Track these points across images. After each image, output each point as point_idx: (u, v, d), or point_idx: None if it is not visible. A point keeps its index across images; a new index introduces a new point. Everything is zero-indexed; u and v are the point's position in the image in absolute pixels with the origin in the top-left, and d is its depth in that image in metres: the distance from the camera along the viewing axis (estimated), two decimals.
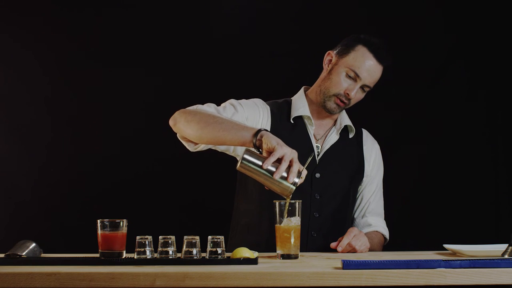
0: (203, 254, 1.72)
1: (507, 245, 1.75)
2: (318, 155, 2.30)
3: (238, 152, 2.23)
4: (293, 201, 1.83)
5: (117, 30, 3.18)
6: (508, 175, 3.14)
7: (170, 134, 2.24)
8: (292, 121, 2.31)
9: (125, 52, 3.18)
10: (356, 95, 2.28)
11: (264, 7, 3.20)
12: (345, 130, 2.37)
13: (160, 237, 1.73)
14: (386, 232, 2.38)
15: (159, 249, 1.71)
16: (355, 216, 2.40)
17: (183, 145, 2.15)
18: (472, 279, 1.49)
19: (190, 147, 2.12)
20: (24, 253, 1.72)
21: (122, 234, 1.73)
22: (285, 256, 1.81)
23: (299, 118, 2.32)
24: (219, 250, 1.70)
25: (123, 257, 1.72)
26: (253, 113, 2.25)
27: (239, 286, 1.47)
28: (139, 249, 1.71)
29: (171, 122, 2.08)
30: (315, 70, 2.40)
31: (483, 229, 3.05)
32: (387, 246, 2.39)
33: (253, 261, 1.65)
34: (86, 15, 3.17)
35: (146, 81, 3.19)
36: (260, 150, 1.86)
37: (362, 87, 2.27)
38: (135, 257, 1.71)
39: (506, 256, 1.72)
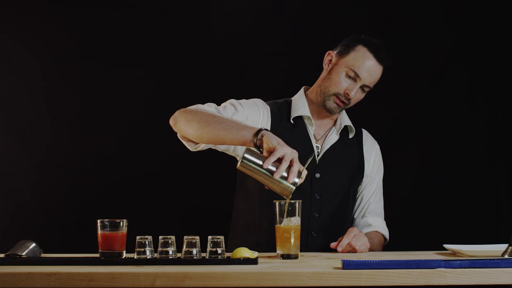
0: (203, 254, 1.72)
1: (507, 245, 1.75)
2: (318, 155, 2.30)
3: (238, 152, 2.23)
4: (293, 201, 1.83)
5: (117, 30, 3.18)
6: (508, 175, 3.14)
7: (170, 134, 2.24)
8: (292, 121, 2.31)
9: (125, 52, 3.18)
10: (356, 95, 2.28)
11: (264, 7, 3.20)
12: (345, 130, 2.37)
13: (160, 237, 1.73)
14: (386, 232, 2.38)
15: (159, 249, 1.71)
16: (355, 216, 2.40)
17: (183, 145, 2.15)
18: (472, 279, 1.49)
19: (191, 147, 2.12)
20: (24, 253, 1.72)
21: (122, 234, 1.73)
22: (285, 256, 1.81)
23: (299, 118, 2.32)
24: (219, 250, 1.70)
25: (123, 257, 1.72)
26: (253, 113, 2.25)
27: (239, 286, 1.47)
28: (139, 249, 1.71)
29: (171, 122, 2.08)
30: (315, 70, 2.40)
31: (483, 229, 3.05)
32: (387, 246, 2.39)
33: (253, 261, 1.65)
34: (86, 15, 3.18)
35: (146, 81, 3.19)
36: (261, 149, 1.86)
37: (362, 87, 2.27)
38: (135, 257, 1.71)
39: (506, 256, 1.72)
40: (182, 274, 1.48)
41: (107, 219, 1.73)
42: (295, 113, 2.32)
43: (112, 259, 1.69)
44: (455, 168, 3.16)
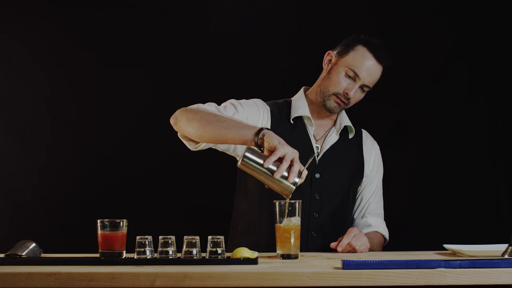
0: (203, 254, 1.72)
1: (507, 245, 1.75)
2: (318, 156, 2.30)
3: (238, 152, 2.23)
4: (293, 201, 1.83)
5: (118, 30, 3.18)
6: (508, 175, 3.14)
7: (170, 134, 2.24)
8: (292, 122, 2.31)
9: (125, 52, 3.18)
10: (356, 95, 2.28)
11: (264, 7, 3.20)
12: (344, 130, 2.37)
13: (160, 237, 1.73)
14: (386, 232, 2.38)
15: (159, 249, 1.71)
16: (354, 216, 2.40)
17: (183, 145, 2.15)
18: (472, 279, 1.49)
19: (191, 146, 2.12)
20: (24, 253, 1.72)
21: (122, 234, 1.73)
22: (285, 256, 1.81)
23: (299, 119, 2.32)
24: (219, 250, 1.70)
25: (123, 257, 1.72)
26: (253, 113, 2.25)
27: (239, 286, 1.47)
28: (139, 249, 1.71)
29: (172, 121, 2.08)
30: (315, 70, 2.40)
31: (483, 229, 3.05)
32: (387, 246, 2.39)
33: (253, 261, 1.65)
34: (86, 15, 3.17)
35: (146, 81, 3.19)
36: (262, 148, 1.86)
37: (361, 87, 2.27)
38: (135, 257, 1.71)
39: (506, 256, 1.72)
40: (182, 274, 1.48)
41: (107, 219, 1.73)
42: (295, 113, 2.32)
43: (112, 259, 1.69)
44: (455, 168, 3.16)
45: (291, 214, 1.83)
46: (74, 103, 3.18)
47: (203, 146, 2.11)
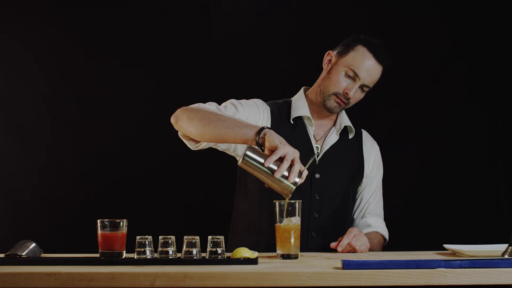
0: (203, 254, 1.72)
1: (507, 245, 1.75)
2: (317, 156, 2.30)
3: (238, 152, 2.23)
4: (293, 201, 1.83)
5: (118, 30, 3.18)
6: (508, 175, 3.14)
7: (170, 134, 2.24)
8: (292, 122, 2.31)
9: (126, 51, 3.18)
10: (355, 95, 2.28)
11: (264, 7, 3.20)
12: (344, 130, 2.37)
13: (160, 237, 1.73)
14: (385, 232, 2.38)
15: (159, 249, 1.71)
16: (354, 216, 2.40)
17: (183, 145, 2.15)
18: (472, 279, 1.49)
19: (192, 146, 2.12)
20: (24, 253, 1.72)
21: (122, 234, 1.73)
22: (285, 256, 1.81)
23: (299, 119, 2.32)
24: (219, 250, 1.70)
25: (123, 257, 1.72)
26: (254, 113, 2.25)
27: (239, 286, 1.47)
28: (139, 249, 1.71)
29: (172, 120, 2.07)
30: (315, 70, 2.40)
31: (483, 229, 3.05)
32: (387, 246, 2.39)
33: (253, 261, 1.65)
34: (86, 15, 3.17)
35: (146, 81, 3.19)
36: (263, 148, 1.86)
37: (361, 87, 2.27)
38: (135, 257, 1.71)
39: (506, 256, 1.72)
40: (182, 274, 1.48)
41: (107, 219, 1.73)
42: (295, 113, 2.32)
43: (112, 259, 1.69)
44: (455, 168, 3.16)
45: (291, 214, 1.83)
46: (74, 103, 3.18)
47: (203, 145, 2.11)
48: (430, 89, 3.19)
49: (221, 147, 2.21)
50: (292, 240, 1.81)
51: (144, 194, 3.16)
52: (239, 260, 1.66)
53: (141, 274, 1.48)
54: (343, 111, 2.39)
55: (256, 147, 1.87)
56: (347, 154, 2.35)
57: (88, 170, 3.16)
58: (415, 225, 3.11)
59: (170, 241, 1.72)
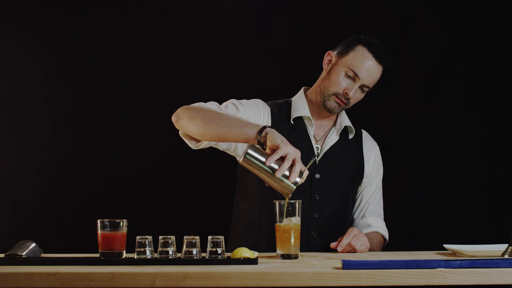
0: (203, 254, 1.72)
1: (507, 245, 1.75)
2: (318, 156, 2.30)
3: (238, 152, 2.23)
4: (293, 201, 1.83)
5: (117, 30, 3.18)
6: (508, 175, 3.14)
7: (170, 134, 2.24)
8: (292, 122, 2.31)
9: (125, 51, 3.18)
10: (355, 95, 2.28)
11: (264, 7, 3.20)
12: (344, 131, 2.37)
13: (160, 237, 1.73)
14: (385, 232, 2.38)
15: (159, 249, 1.71)
16: (354, 216, 2.40)
17: (183, 145, 2.15)
18: (472, 279, 1.49)
19: (192, 145, 2.12)
20: (24, 253, 1.72)
21: (122, 234, 1.73)
22: (285, 256, 1.81)
23: (299, 119, 2.32)
24: (219, 250, 1.70)
25: (123, 257, 1.72)
26: (254, 113, 2.25)
27: (239, 286, 1.47)
28: (139, 249, 1.71)
29: (173, 119, 2.07)
30: (315, 70, 2.40)
31: (483, 229, 3.05)
32: (387, 246, 2.39)
33: (253, 261, 1.65)
34: (86, 15, 3.18)
35: (146, 81, 3.19)
36: (264, 147, 1.86)
37: (361, 87, 2.27)
38: (135, 257, 1.71)
39: (506, 256, 1.72)
40: (182, 274, 1.48)
41: (107, 219, 1.73)
42: (295, 113, 2.32)
43: (112, 259, 1.69)
44: (455, 168, 3.16)
45: (291, 214, 1.83)
46: (74, 103, 3.18)
47: (204, 144, 2.10)
48: (430, 89, 3.20)
49: (221, 146, 2.20)
50: (292, 240, 1.81)
51: (144, 194, 3.16)
52: (239, 260, 1.66)
53: (141, 274, 1.48)
54: (343, 111, 2.39)
55: (257, 146, 1.87)
56: (347, 154, 2.35)
57: (88, 170, 3.16)
58: (415, 225, 3.12)
59: (170, 241, 1.72)
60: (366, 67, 2.24)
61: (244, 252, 1.71)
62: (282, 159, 1.80)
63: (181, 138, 2.13)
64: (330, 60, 2.32)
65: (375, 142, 2.46)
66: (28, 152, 3.14)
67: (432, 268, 1.50)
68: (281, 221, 1.83)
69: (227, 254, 1.74)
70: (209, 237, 1.72)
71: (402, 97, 3.16)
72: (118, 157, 3.16)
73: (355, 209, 2.40)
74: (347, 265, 1.53)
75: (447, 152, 3.18)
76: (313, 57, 2.50)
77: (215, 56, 3.18)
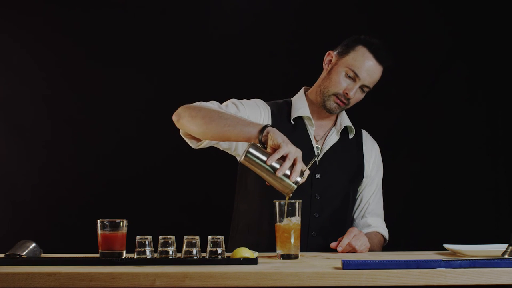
0: (203, 254, 1.72)
1: (507, 245, 1.75)
2: (318, 156, 2.30)
3: (239, 151, 2.23)
4: (293, 201, 1.83)
5: (117, 30, 3.18)
6: (508, 175, 3.14)
7: (170, 134, 2.24)
8: (292, 122, 2.31)
9: (125, 52, 3.18)
10: (356, 95, 2.27)
11: (264, 7, 3.20)
12: (345, 131, 2.37)
13: (160, 237, 1.73)
14: (385, 232, 2.38)
15: (159, 249, 1.71)
16: (354, 216, 2.40)
17: (183, 145, 2.15)
18: (472, 279, 1.48)
19: (193, 144, 2.12)
20: (24, 253, 1.72)
21: (122, 234, 1.73)
22: (285, 256, 1.81)
23: (299, 119, 2.32)
24: (219, 250, 1.70)
25: (123, 257, 1.72)
26: (255, 113, 2.24)
27: (239, 286, 1.47)
28: (139, 249, 1.71)
29: (174, 118, 2.06)
30: (315, 70, 2.40)
31: (483, 229, 3.05)
32: (387, 246, 2.39)
33: (253, 261, 1.65)
34: (86, 15, 3.17)
35: (146, 81, 3.19)
36: (265, 146, 1.86)
37: (361, 88, 2.27)
38: (135, 257, 1.71)
39: (506, 256, 1.72)
40: (182, 274, 1.48)
41: (107, 219, 1.73)
42: (295, 113, 2.32)
43: (112, 259, 1.69)
44: (455, 168, 3.16)
45: (291, 214, 1.82)
46: (74, 103, 3.18)
47: (205, 144, 2.10)
48: (430, 89, 3.20)
49: (222, 146, 2.20)
50: (292, 240, 1.81)
51: (144, 194, 3.16)
52: (239, 260, 1.66)
53: (141, 274, 1.48)
54: (343, 111, 2.39)
55: (258, 144, 1.87)
56: (347, 154, 2.35)
57: (88, 170, 3.16)
58: (415, 225, 3.12)
59: (170, 241, 1.72)
60: (367, 67, 2.24)
61: (244, 252, 1.71)
62: (283, 159, 1.80)
63: (181, 138, 2.13)
64: (331, 60, 2.32)
65: (375, 142, 2.46)
66: (28, 152, 3.14)
67: (432, 268, 1.50)
68: (281, 221, 1.83)
69: (227, 254, 1.74)
70: (209, 237, 1.72)
71: (402, 97, 3.16)
72: (118, 157, 3.16)
73: (355, 209, 2.40)
74: (347, 265, 1.53)
75: (447, 152, 3.18)
76: (313, 57, 2.50)
77: (215, 56, 3.18)
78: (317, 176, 2.27)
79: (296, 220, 1.82)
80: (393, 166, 2.61)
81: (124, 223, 1.74)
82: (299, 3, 3.22)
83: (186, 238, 1.70)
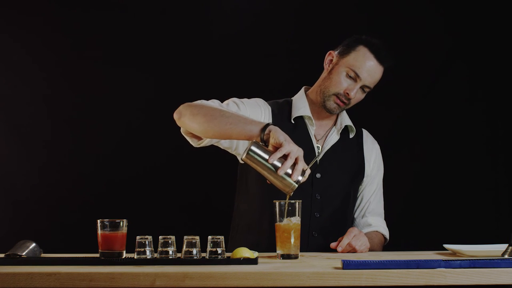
0: (203, 254, 1.72)
1: (507, 245, 1.75)
2: (318, 156, 2.30)
3: (239, 150, 2.22)
4: (293, 201, 1.83)
5: (117, 29, 3.18)
6: (508, 175, 3.14)
7: (170, 134, 2.24)
8: (293, 121, 2.31)
9: (125, 52, 3.18)
10: (356, 95, 2.27)
11: (264, 7, 3.20)
12: (345, 130, 2.37)
13: (160, 237, 1.73)
14: (386, 232, 2.38)
15: (159, 249, 1.71)
16: (355, 216, 2.40)
17: (183, 145, 2.15)
18: (472, 279, 1.48)
19: (194, 143, 2.11)
20: (24, 253, 1.72)
21: (122, 234, 1.73)
22: (285, 256, 1.81)
23: (300, 118, 2.32)
24: (219, 250, 1.70)
25: (123, 257, 1.72)
26: (255, 112, 2.24)
27: (239, 286, 1.47)
28: (139, 249, 1.71)
29: (175, 116, 2.05)
30: (315, 70, 2.40)
31: (483, 229, 3.05)
32: (387, 246, 2.39)
33: (253, 261, 1.65)
34: (86, 15, 3.17)
35: (146, 81, 3.19)
36: (267, 144, 1.86)
37: (362, 88, 2.27)
38: (135, 257, 1.71)
39: (506, 256, 1.72)
40: (182, 274, 1.48)
41: (107, 219, 1.73)
42: (296, 113, 2.32)
43: (112, 259, 1.69)
44: (455, 168, 3.16)
45: (291, 214, 1.82)
46: (74, 103, 3.17)
47: (206, 142, 2.10)
48: (430, 89, 3.20)
49: (223, 144, 2.20)
50: (292, 240, 1.81)
51: (144, 194, 3.16)
52: (239, 260, 1.66)
53: (141, 274, 1.48)
54: (344, 111, 2.39)
55: (260, 143, 1.87)
56: (347, 154, 2.35)
57: (88, 170, 3.16)
58: (415, 225, 3.11)
59: (170, 241, 1.72)
60: (367, 67, 2.24)
61: (244, 252, 1.71)
62: (285, 157, 1.80)
63: (181, 138, 2.13)
64: (331, 60, 2.32)
65: (375, 141, 2.46)
66: (28, 152, 3.14)
67: (432, 268, 1.50)
68: (281, 221, 1.83)
69: (227, 254, 1.74)
70: (209, 237, 1.72)
71: (402, 97, 3.16)
72: (118, 157, 3.16)
73: (355, 208, 2.40)
74: (347, 265, 1.53)
75: (447, 152, 3.18)
76: (313, 57, 2.50)
77: (215, 56, 3.18)
78: (318, 175, 2.27)
79: (296, 220, 1.82)
80: (393, 166, 2.61)
81: (124, 223, 1.74)
82: (299, 3, 3.22)
83: (186, 238, 1.70)
